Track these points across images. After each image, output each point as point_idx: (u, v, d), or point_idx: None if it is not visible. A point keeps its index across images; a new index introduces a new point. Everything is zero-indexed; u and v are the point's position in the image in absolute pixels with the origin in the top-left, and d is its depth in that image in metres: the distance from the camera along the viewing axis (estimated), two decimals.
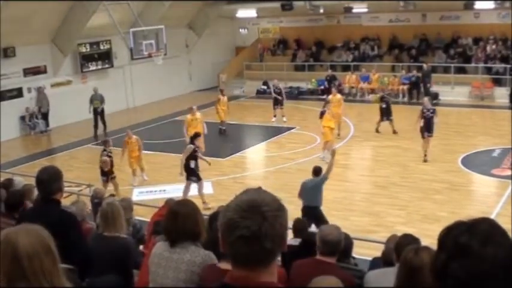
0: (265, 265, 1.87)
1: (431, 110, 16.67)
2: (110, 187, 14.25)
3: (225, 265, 3.80)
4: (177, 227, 3.82)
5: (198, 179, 13.60)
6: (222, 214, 1.88)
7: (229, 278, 1.92)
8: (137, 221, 8.67)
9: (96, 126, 22.63)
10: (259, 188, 1.95)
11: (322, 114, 17.72)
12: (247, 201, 1.84)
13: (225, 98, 22.41)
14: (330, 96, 20.13)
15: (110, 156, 14.41)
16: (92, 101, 22.77)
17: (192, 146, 13.56)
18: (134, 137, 16.06)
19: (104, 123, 22.85)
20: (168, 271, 3.84)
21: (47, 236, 2.08)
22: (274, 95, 23.01)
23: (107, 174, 14.30)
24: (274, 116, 22.75)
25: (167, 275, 3.84)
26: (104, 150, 14.59)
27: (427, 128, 16.45)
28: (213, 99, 28.88)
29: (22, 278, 1.97)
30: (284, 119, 22.63)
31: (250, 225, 1.79)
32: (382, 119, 19.95)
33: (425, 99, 17.65)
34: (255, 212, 1.81)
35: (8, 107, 22.00)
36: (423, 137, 16.55)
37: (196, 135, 13.96)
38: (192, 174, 13.51)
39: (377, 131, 20.07)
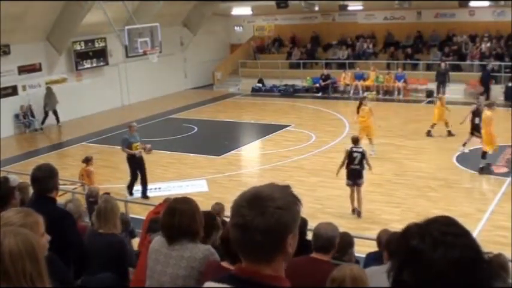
0: (263, 259, 1.90)
1: None
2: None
3: (227, 264, 3.79)
4: (173, 223, 3.79)
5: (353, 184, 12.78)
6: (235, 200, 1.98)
7: (236, 270, 1.98)
8: (125, 216, 8.70)
9: (135, 180, 14.46)
10: (286, 186, 1.97)
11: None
12: (254, 193, 1.90)
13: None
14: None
15: None
16: (128, 143, 14.19)
17: (347, 149, 12.89)
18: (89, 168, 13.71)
19: (145, 175, 14.45)
20: (166, 268, 3.81)
21: (37, 242, 2.08)
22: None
23: None
24: (464, 144, 16.71)
25: (165, 271, 3.81)
26: None
27: None
28: (207, 97, 28.98)
29: (3, 277, 1.97)
30: (466, 149, 16.74)
31: (245, 215, 1.85)
32: None
33: None
34: (255, 204, 1.86)
35: (3, 105, 21.92)
36: None
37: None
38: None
39: None
